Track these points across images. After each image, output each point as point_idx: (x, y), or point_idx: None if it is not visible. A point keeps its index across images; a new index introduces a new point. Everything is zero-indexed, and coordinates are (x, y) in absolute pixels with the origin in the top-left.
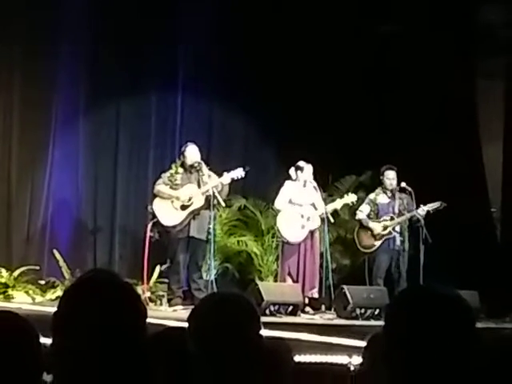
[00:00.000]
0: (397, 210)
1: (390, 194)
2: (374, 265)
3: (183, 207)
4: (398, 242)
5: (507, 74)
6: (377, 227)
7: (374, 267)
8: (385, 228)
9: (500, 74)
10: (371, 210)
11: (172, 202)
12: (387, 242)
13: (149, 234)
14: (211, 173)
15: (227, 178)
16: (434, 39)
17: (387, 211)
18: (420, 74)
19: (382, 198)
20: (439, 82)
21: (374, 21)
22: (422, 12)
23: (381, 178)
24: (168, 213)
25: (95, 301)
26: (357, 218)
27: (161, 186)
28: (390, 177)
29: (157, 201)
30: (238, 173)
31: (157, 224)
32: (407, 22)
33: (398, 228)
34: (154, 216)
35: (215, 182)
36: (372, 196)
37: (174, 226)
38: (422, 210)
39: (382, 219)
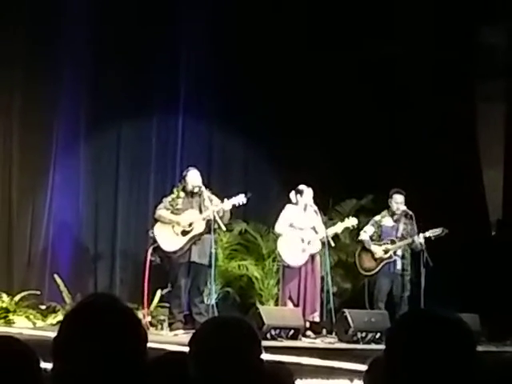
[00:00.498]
0: (400, 234)
1: (395, 218)
2: (374, 288)
3: (184, 233)
4: (398, 266)
5: (507, 97)
6: (378, 250)
7: (374, 290)
8: (386, 251)
9: (500, 97)
10: (375, 232)
11: (173, 226)
12: (388, 265)
13: (149, 258)
14: (213, 196)
15: (228, 204)
16: (433, 62)
17: (390, 234)
18: (420, 97)
19: (387, 221)
20: (439, 105)
21: (376, 42)
22: (423, 34)
23: (389, 200)
24: (169, 238)
25: (96, 325)
26: (359, 238)
27: (162, 211)
28: (398, 201)
29: (158, 225)
30: (240, 199)
31: (158, 248)
32: (408, 45)
33: (399, 252)
34: (155, 241)
35: (216, 207)
36: (377, 218)
37: (175, 252)
38: (421, 237)
39: (383, 242)
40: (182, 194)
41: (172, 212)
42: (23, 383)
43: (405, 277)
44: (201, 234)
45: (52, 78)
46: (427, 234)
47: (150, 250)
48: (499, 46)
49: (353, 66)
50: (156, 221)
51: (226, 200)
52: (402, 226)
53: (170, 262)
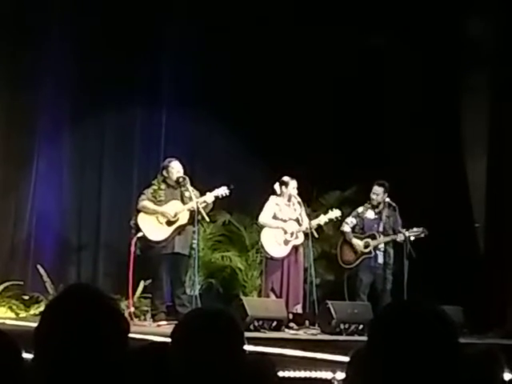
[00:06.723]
0: (381, 229)
1: (377, 211)
2: (356, 280)
3: (169, 223)
4: (379, 260)
5: (491, 89)
6: (359, 244)
7: (356, 283)
8: (366, 246)
9: (484, 89)
10: (356, 224)
11: (157, 217)
12: (368, 259)
13: (133, 248)
14: (194, 190)
15: (211, 196)
16: (418, 53)
17: (372, 227)
18: (404, 88)
19: (368, 213)
20: (423, 96)
21: (360, 34)
22: (406, 25)
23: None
24: (154, 228)
25: (77, 316)
26: (341, 229)
27: (145, 202)
28: (375, 191)
29: (141, 216)
30: (222, 191)
31: (141, 239)
32: (394, 35)
33: (381, 246)
34: (138, 231)
35: (200, 199)
36: (360, 209)
37: (160, 242)
38: (401, 236)
39: (364, 236)
40: (163, 186)
41: (155, 203)
42: (5, 373)
43: (386, 270)
44: (186, 225)
45: (35, 69)
46: (407, 233)
47: (133, 241)
48: (484, 37)
49: (338, 55)
50: (139, 212)
51: (208, 193)
52: (384, 219)
53: (151, 253)
